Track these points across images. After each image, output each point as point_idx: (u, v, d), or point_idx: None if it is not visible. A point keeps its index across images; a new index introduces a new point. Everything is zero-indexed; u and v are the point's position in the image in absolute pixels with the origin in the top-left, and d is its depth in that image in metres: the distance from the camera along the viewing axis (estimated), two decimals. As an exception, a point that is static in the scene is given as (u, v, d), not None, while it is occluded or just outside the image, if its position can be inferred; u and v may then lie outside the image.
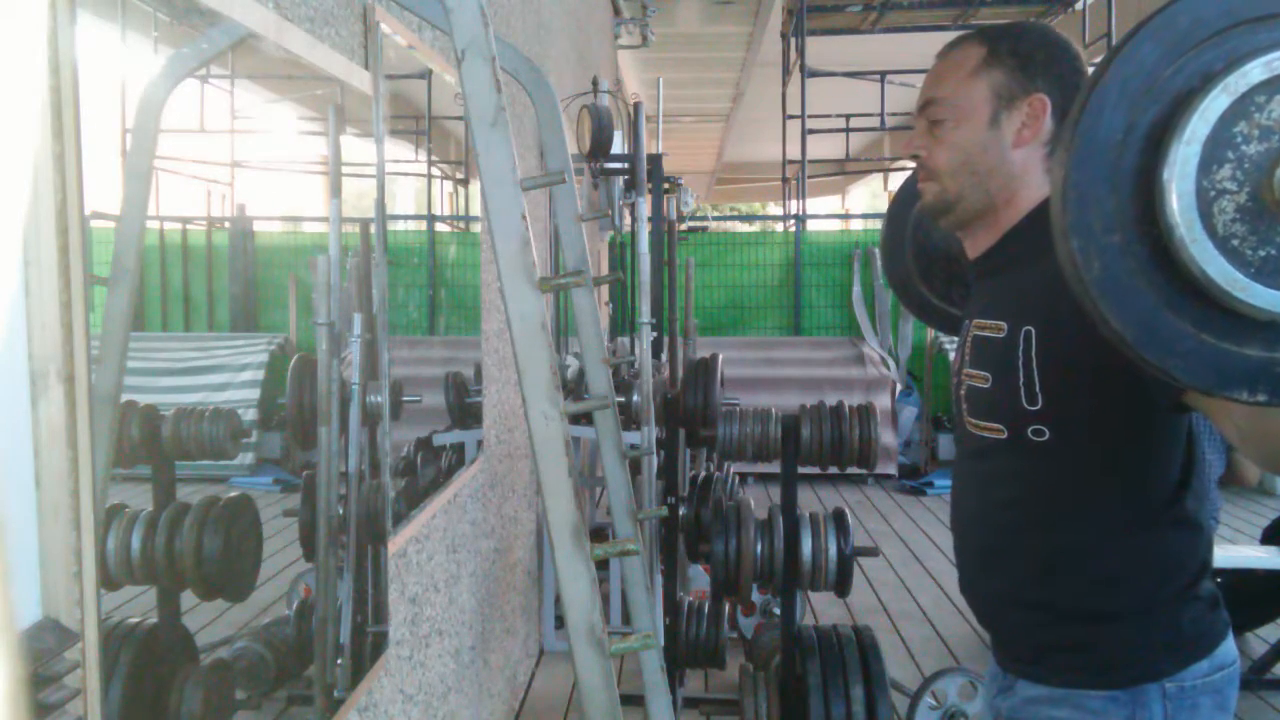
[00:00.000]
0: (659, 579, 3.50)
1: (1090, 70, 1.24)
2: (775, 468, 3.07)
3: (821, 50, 10.48)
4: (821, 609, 4.56)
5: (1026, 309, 1.24)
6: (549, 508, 0.96)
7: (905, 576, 5.17)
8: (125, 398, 1.03)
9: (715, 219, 11.80)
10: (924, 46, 11.84)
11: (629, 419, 3.94)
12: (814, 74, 9.95)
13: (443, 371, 2.53)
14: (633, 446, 3.51)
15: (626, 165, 4.16)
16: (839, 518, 2.83)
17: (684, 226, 7.91)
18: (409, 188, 2.46)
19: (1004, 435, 1.27)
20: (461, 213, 2.98)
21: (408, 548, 2.05)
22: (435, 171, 2.62)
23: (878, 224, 14.07)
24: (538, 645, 4.03)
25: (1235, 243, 0.81)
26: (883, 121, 11.08)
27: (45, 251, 0.83)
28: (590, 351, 1.52)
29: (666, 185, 4.51)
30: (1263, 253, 0.81)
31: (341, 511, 1.61)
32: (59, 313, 0.84)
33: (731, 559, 2.78)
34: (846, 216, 17.41)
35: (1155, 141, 0.83)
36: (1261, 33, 0.82)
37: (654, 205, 4.12)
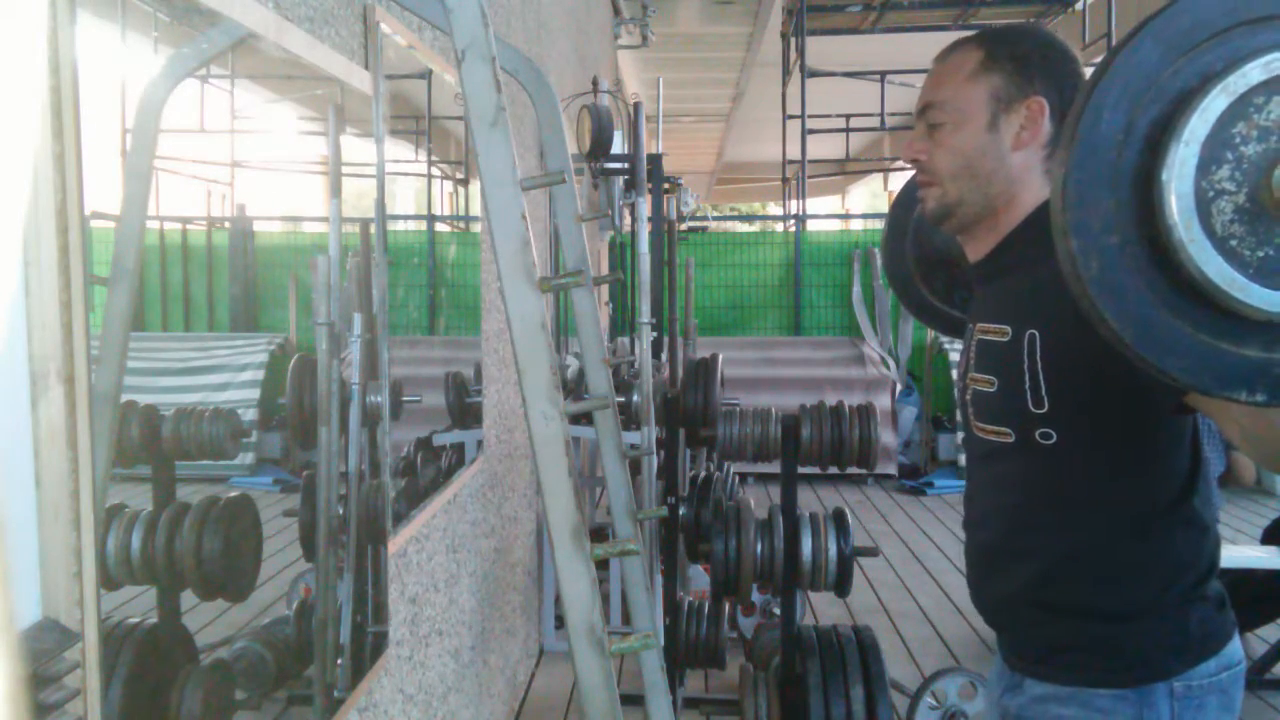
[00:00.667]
0: (659, 579, 3.50)
1: (1088, 72, 1.25)
2: (775, 468, 3.07)
3: (821, 50, 10.48)
4: (821, 609, 4.56)
5: (1030, 312, 1.24)
6: (549, 508, 0.96)
7: (905, 576, 5.17)
8: (125, 398, 1.03)
9: (715, 219, 11.81)
10: (924, 46, 11.84)
11: (629, 419, 3.94)
12: (814, 74, 9.95)
13: (443, 371, 2.53)
14: (633, 446, 3.51)
15: (626, 165, 4.16)
16: (839, 518, 2.83)
17: (684, 226, 7.91)
18: (409, 188, 2.46)
19: (1011, 439, 1.28)
20: (461, 213, 2.98)
21: (408, 548, 2.05)
22: (435, 171, 2.62)
23: (878, 224, 14.07)
24: (538, 645, 4.03)
25: (1234, 243, 0.81)
26: (883, 121, 11.08)
27: (45, 251, 0.83)
28: (590, 351, 1.52)
29: (666, 185, 4.51)
30: (1261, 253, 0.81)
31: (341, 511, 1.61)
32: (59, 313, 0.84)
33: (731, 559, 2.78)
34: (846, 216, 17.42)
35: (1154, 142, 0.83)
36: (1261, 34, 0.82)
37: (654, 205, 4.12)
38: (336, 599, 1.59)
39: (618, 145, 4.26)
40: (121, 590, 0.99)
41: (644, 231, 3.67)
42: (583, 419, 3.83)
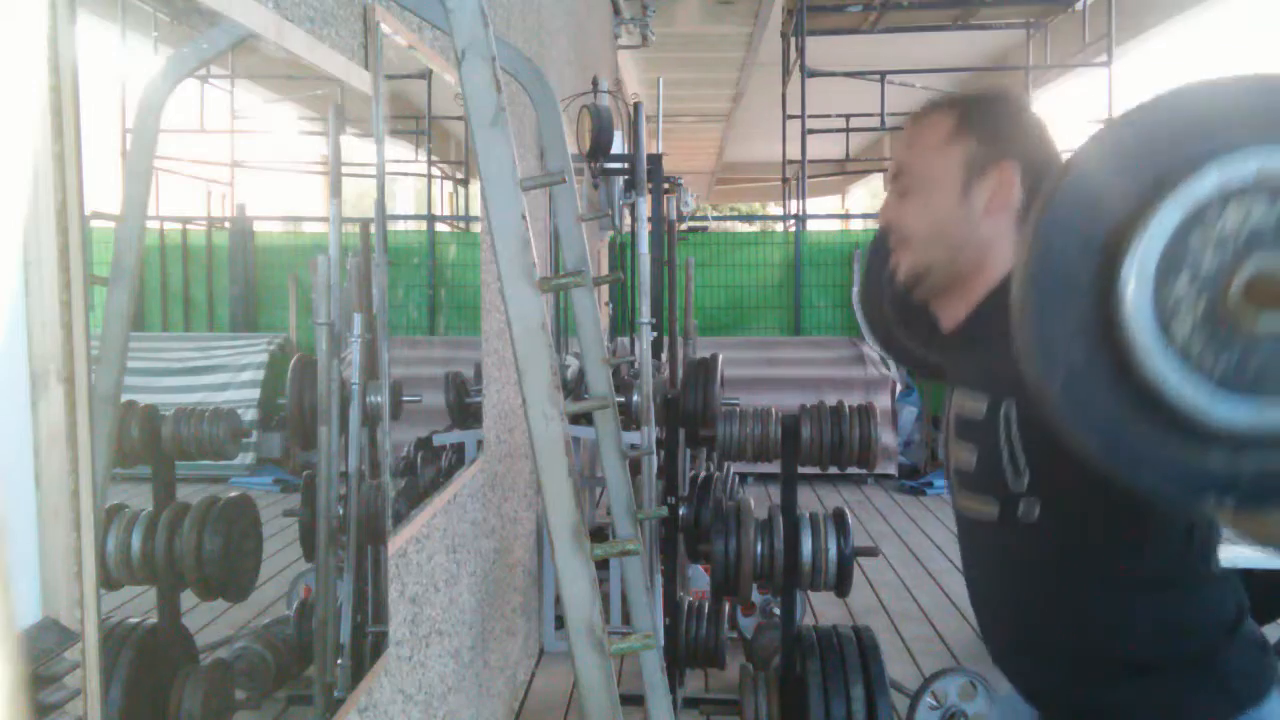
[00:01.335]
0: (659, 579, 3.50)
1: (1056, 144, 1.26)
2: (775, 468, 3.07)
3: (821, 50, 10.48)
4: (821, 609, 4.56)
5: (1005, 383, 1.21)
6: (549, 508, 0.96)
7: (905, 576, 5.17)
8: (125, 398, 1.03)
9: (715, 219, 11.81)
10: (924, 46, 11.86)
11: (629, 419, 3.94)
12: (814, 74, 9.95)
13: (443, 371, 2.53)
14: (633, 446, 3.51)
15: (626, 165, 4.16)
16: (839, 518, 2.83)
17: (684, 226, 7.91)
18: (409, 188, 2.46)
19: (996, 512, 1.25)
20: (461, 213, 2.98)
21: (408, 548, 2.05)
22: (435, 171, 2.63)
23: (878, 224, 14.03)
24: (538, 645, 4.03)
25: (1195, 353, 0.80)
26: (883, 121, 11.07)
27: (45, 251, 0.83)
28: (590, 351, 1.52)
29: (666, 185, 4.51)
30: (1223, 363, 0.80)
31: (341, 511, 1.61)
32: (59, 313, 0.84)
33: (731, 559, 2.78)
34: (846, 216, 17.42)
35: (1112, 253, 0.83)
36: (1216, 140, 0.82)
37: (654, 205, 4.12)
38: (336, 599, 1.59)
39: (618, 145, 4.26)
40: (121, 590, 0.99)
41: (644, 231, 3.67)
42: (583, 419, 3.83)
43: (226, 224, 1.41)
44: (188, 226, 1.33)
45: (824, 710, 2.60)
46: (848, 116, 11.53)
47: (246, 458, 1.32)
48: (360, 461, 1.66)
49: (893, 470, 7.56)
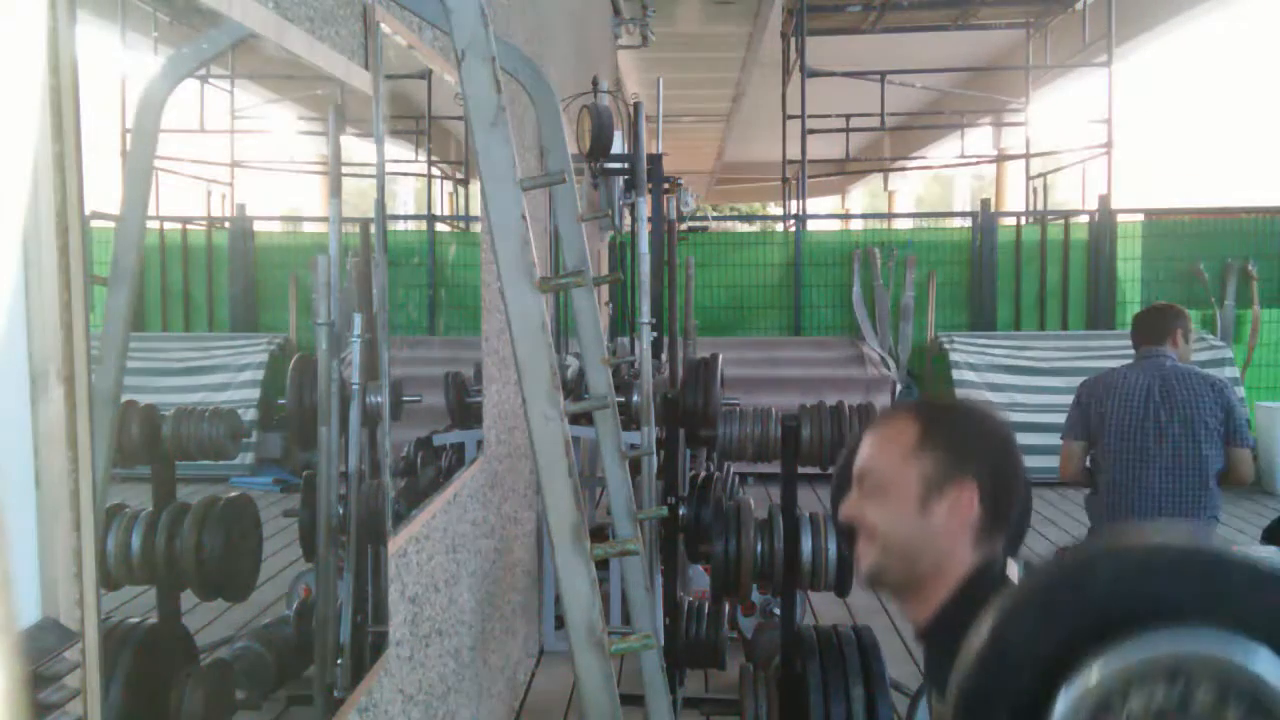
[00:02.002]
0: (659, 579, 3.50)
1: (1018, 454, 1.29)
2: (775, 468, 3.07)
3: (821, 50, 10.48)
4: (821, 609, 4.55)
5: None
6: (549, 508, 0.96)
7: (905, 576, 5.17)
8: (125, 398, 1.03)
9: (715, 219, 11.80)
10: (924, 46, 11.86)
11: (629, 419, 3.94)
12: (814, 74, 9.95)
13: (443, 371, 2.53)
14: (633, 446, 3.51)
15: (626, 165, 4.16)
16: (839, 518, 2.83)
17: (684, 226, 7.91)
18: (409, 188, 2.46)
19: None
20: (461, 213, 2.98)
21: (408, 548, 2.05)
22: (435, 171, 2.63)
23: (878, 224, 14.08)
24: (538, 645, 4.03)
25: None
26: (883, 121, 11.09)
27: (45, 251, 0.83)
28: (590, 351, 1.52)
29: (666, 185, 4.51)
30: None
31: (341, 511, 1.61)
32: (59, 313, 0.84)
33: (731, 559, 2.78)
34: (846, 216, 17.43)
35: None
36: (1109, 629, 0.82)
37: (654, 205, 4.12)
38: (336, 599, 1.59)
39: (618, 145, 4.26)
40: (121, 590, 0.99)
41: (644, 231, 3.67)
42: (583, 419, 3.83)
43: (226, 224, 1.41)
44: (188, 226, 1.33)
45: (824, 710, 2.60)
46: (848, 116, 11.54)
47: (246, 458, 1.32)
48: (360, 461, 1.66)
49: (893, 470, 7.54)
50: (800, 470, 2.96)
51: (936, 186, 24.35)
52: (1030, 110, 11.65)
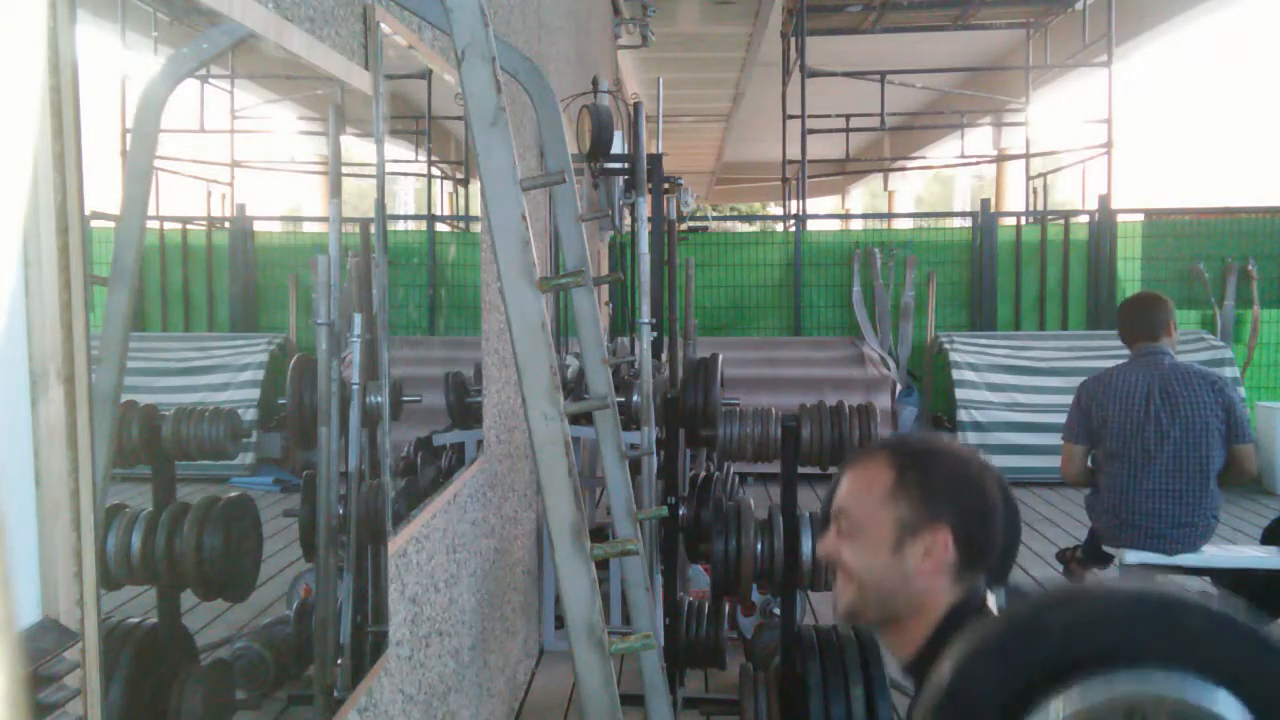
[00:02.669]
0: (659, 579, 3.50)
1: (995, 496, 1.28)
2: (775, 468, 3.07)
3: (821, 50, 10.48)
4: (821, 609, 4.56)
5: None
6: (549, 508, 0.96)
7: (905, 576, 5.17)
8: (125, 398, 1.03)
9: (715, 219, 11.80)
10: (924, 46, 11.86)
11: (629, 419, 3.94)
12: (814, 74, 9.95)
13: (443, 371, 2.53)
14: (633, 446, 3.51)
15: (626, 165, 4.16)
16: (839, 518, 2.83)
17: (684, 226, 7.91)
18: (409, 188, 2.46)
19: None
20: (461, 213, 2.98)
21: (408, 548, 2.05)
22: (435, 171, 2.62)
23: (878, 224, 14.07)
24: (538, 645, 4.03)
25: None
26: (883, 121, 11.08)
27: (45, 251, 0.83)
28: (590, 351, 1.52)
29: (666, 185, 4.51)
30: None
31: (341, 511, 1.61)
32: (59, 313, 0.84)
33: (731, 559, 2.78)
34: (846, 216, 17.42)
35: None
36: (1064, 670, 0.83)
37: (654, 205, 4.12)
38: (336, 599, 1.59)
39: (618, 145, 4.26)
40: (121, 590, 0.99)
41: (644, 231, 3.67)
42: (583, 419, 3.83)
43: (226, 224, 1.41)
44: (188, 226, 1.33)
45: (824, 710, 2.60)
46: (848, 116, 11.53)
47: (246, 458, 1.32)
48: (360, 461, 1.66)
49: (893, 470, 7.54)
50: (800, 470, 2.96)
51: (936, 186, 24.37)
52: (1030, 110, 11.64)
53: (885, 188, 20.52)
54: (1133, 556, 3.50)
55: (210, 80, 1.27)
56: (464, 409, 2.68)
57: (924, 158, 16.39)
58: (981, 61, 13.13)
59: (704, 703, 3.56)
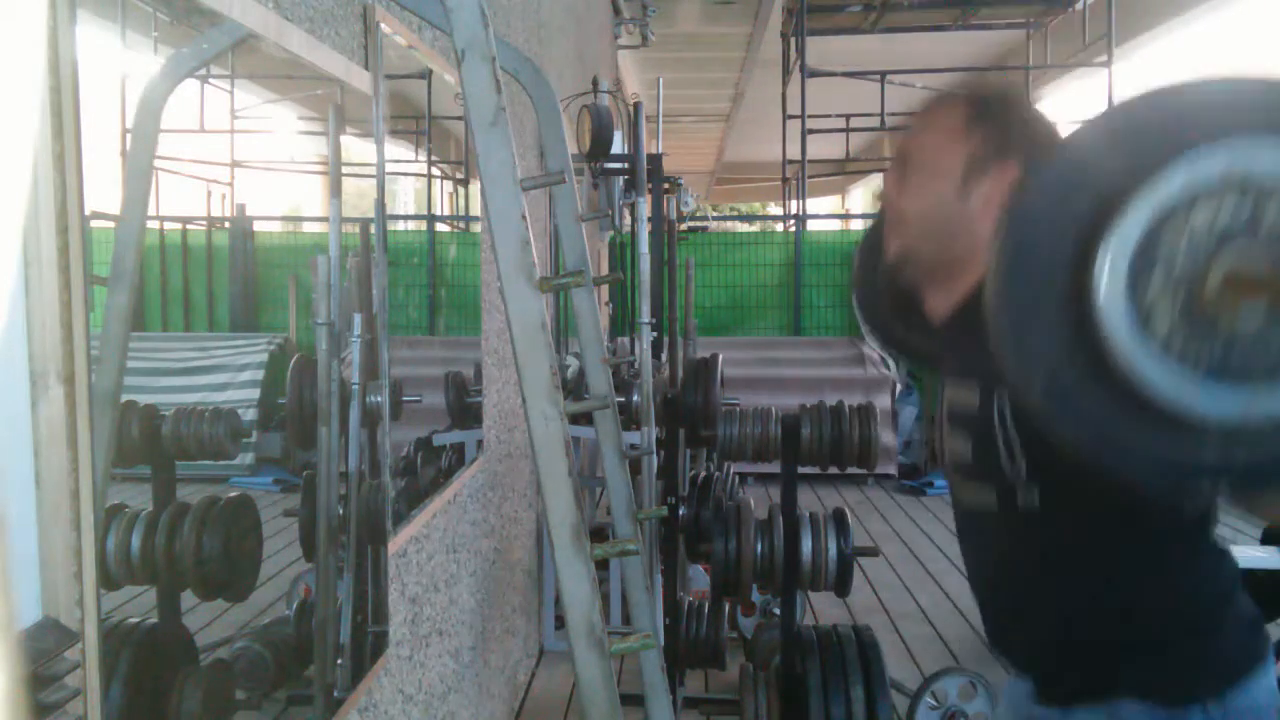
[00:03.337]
0: (659, 579, 3.50)
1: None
2: (775, 468, 3.07)
3: (821, 50, 10.47)
4: (821, 609, 4.56)
5: (997, 374, 1.23)
6: (549, 508, 0.96)
7: (905, 576, 5.17)
8: (125, 398, 1.03)
9: (715, 219, 11.80)
10: (924, 46, 11.84)
11: (629, 419, 3.94)
12: (814, 74, 9.95)
13: (443, 371, 2.53)
14: (633, 446, 3.51)
15: (626, 165, 4.16)
16: (839, 518, 2.83)
17: (684, 226, 7.91)
18: (409, 188, 2.46)
19: (994, 499, 1.26)
20: (461, 213, 2.98)
21: (408, 548, 2.05)
22: (435, 171, 2.62)
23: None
24: (538, 645, 4.03)
25: (1177, 348, 0.80)
26: (883, 121, 11.07)
27: (45, 251, 0.83)
28: (590, 351, 1.52)
29: (666, 185, 4.51)
30: (1207, 356, 0.80)
31: (341, 511, 1.61)
32: (59, 313, 0.84)
33: (731, 559, 2.78)
34: (846, 216, 17.43)
35: (1085, 250, 0.82)
36: (1188, 137, 0.81)
37: (654, 205, 4.12)
38: (336, 599, 1.59)
39: (618, 145, 4.26)
40: (121, 590, 0.99)
41: (644, 231, 3.67)
42: (583, 419, 3.83)
43: (226, 224, 1.41)
44: (188, 226, 1.33)
45: (824, 710, 2.60)
46: (848, 116, 11.52)
47: (246, 458, 1.32)
48: (360, 461, 1.66)
49: (893, 470, 7.56)
50: (800, 470, 2.96)
51: (936, 186, 24.30)
52: (1030, 110, 11.61)
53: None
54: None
55: (210, 80, 1.27)
56: (464, 409, 2.68)
57: (924, 158, 16.33)
58: (981, 61, 13.12)
59: (704, 703, 3.57)
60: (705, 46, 11.00)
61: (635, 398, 3.82)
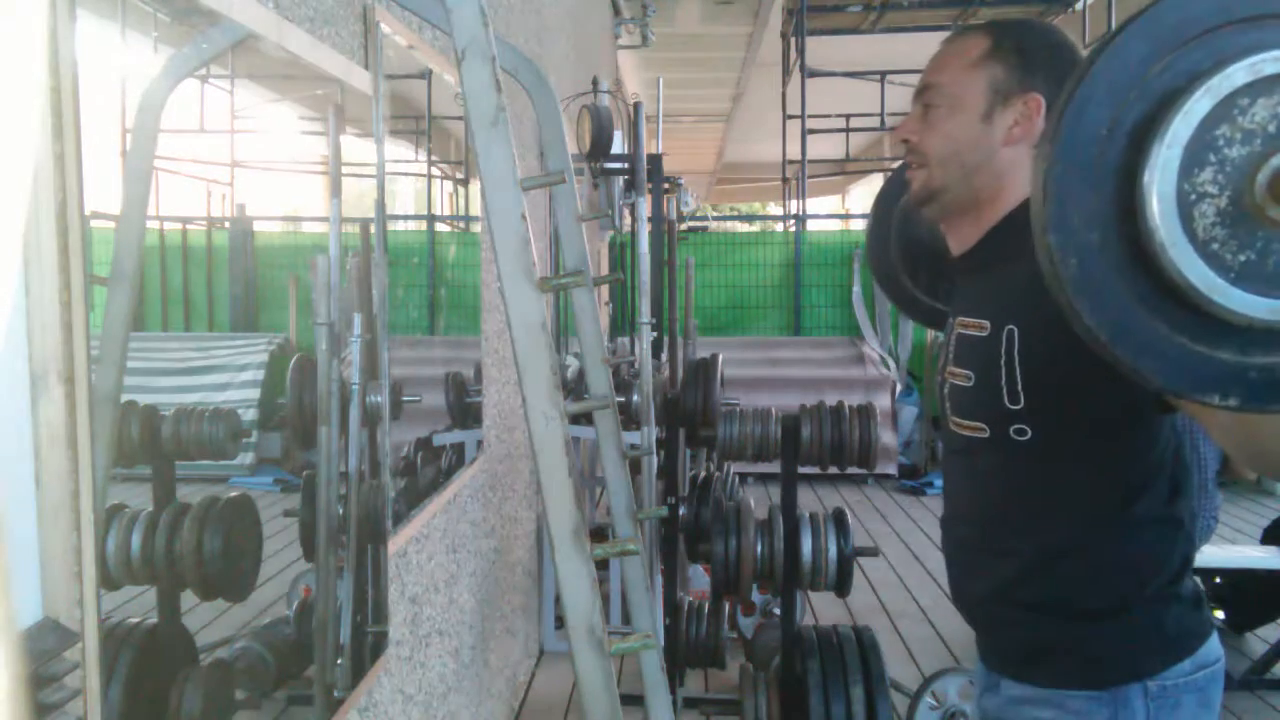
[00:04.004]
0: (659, 579, 3.50)
1: None
2: (775, 468, 3.07)
3: (821, 50, 10.47)
4: (821, 609, 4.56)
5: (1009, 308, 1.24)
6: (549, 508, 0.96)
7: (905, 576, 5.17)
8: (125, 398, 1.03)
9: (715, 219, 11.80)
10: (924, 46, 11.84)
11: (629, 419, 3.94)
12: (814, 74, 9.95)
13: (443, 371, 2.53)
14: (633, 446, 3.51)
15: (626, 165, 4.16)
16: (839, 518, 2.83)
17: (684, 226, 7.91)
18: (409, 188, 2.46)
19: (987, 434, 1.27)
20: (461, 213, 2.98)
21: (408, 548, 2.05)
22: (435, 171, 2.62)
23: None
24: (538, 645, 4.03)
25: (1215, 247, 0.81)
26: (883, 121, 11.07)
27: (45, 251, 0.83)
28: (590, 351, 1.52)
29: (666, 185, 4.51)
30: (1243, 257, 0.81)
31: (341, 511, 1.61)
32: (59, 313, 0.84)
33: (731, 559, 2.78)
34: (846, 216, 17.41)
35: (1137, 141, 0.82)
36: (1249, 33, 0.81)
37: (654, 205, 4.12)
38: (336, 599, 1.59)
39: (618, 145, 4.26)
40: (121, 590, 0.99)
41: (644, 231, 3.67)
42: (583, 419, 3.83)
43: (226, 224, 1.41)
44: (188, 226, 1.33)
45: (824, 710, 2.60)
46: (848, 116, 11.52)
47: (246, 458, 1.32)
48: (360, 461, 1.66)
49: (893, 470, 7.55)
50: (800, 470, 2.96)
51: (936, 186, 24.30)
52: (1030, 110, 11.60)
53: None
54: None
55: (210, 80, 1.27)
56: (464, 409, 2.68)
57: (924, 158, 16.32)
58: (981, 61, 13.09)
59: (704, 703, 3.56)
60: (705, 46, 11.00)
61: (635, 398, 3.82)
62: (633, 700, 2.21)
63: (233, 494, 1.25)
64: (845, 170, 15.39)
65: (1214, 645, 1.26)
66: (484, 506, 2.90)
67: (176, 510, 1.09)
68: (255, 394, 1.36)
